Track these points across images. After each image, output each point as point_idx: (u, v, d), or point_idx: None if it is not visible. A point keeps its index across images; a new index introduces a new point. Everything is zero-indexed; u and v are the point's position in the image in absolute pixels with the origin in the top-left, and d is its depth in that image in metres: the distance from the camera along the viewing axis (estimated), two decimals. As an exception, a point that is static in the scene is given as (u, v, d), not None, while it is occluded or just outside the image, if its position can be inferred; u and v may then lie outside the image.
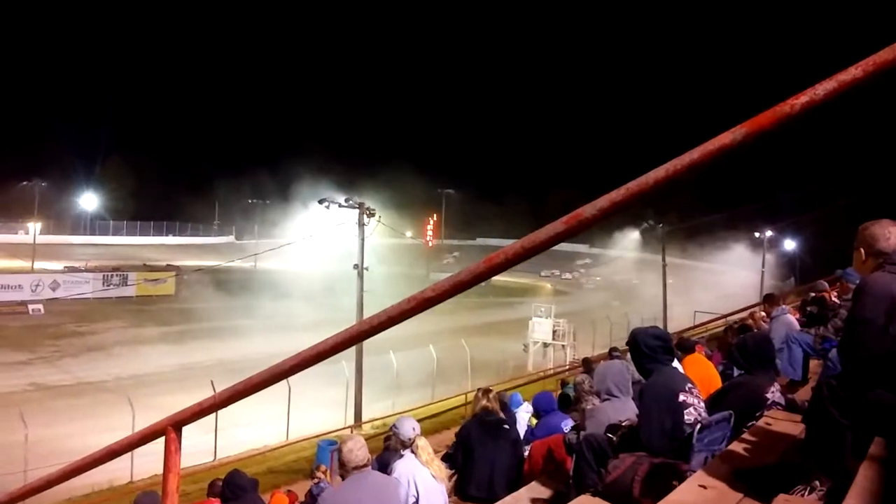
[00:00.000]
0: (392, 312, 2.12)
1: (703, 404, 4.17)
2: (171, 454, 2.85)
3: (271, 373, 2.60)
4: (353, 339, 2.33)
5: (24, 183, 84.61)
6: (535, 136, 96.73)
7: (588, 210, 1.75)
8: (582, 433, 4.72)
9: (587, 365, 10.08)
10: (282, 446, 20.93)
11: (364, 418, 23.21)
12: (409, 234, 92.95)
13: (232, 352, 32.03)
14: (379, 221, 25.78)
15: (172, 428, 2.86)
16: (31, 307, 46.28)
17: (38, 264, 66.28)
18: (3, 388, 26.70)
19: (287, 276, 51.46)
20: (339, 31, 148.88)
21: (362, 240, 24.79)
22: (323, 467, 11.17)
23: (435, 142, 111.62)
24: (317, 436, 20.07)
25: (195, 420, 2.88)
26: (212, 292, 50.08)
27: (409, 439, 5.27)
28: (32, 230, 79.66)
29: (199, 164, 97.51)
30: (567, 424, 6.44)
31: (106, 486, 16.73)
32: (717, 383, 6.27)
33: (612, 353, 10.33)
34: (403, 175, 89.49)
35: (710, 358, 8.03)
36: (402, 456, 5.26)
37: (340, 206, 25.28)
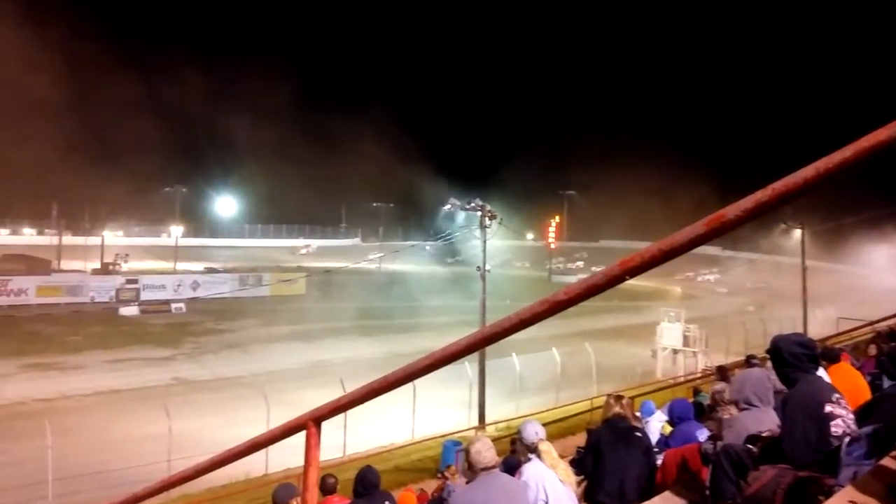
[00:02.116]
0: (524, 315, 2.09)
1: (851, 416, 3.90)
2: (311, 448, 2.94)
3: (406, 372, 2.63)
4: (486, 340, 2.33)
5: (167, 189, 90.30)
6: (664, 137, 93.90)
7: (731, 211, 1.66)
8: (719, 443, 4.53)
9: (722, 373, 9.68)
10: (408, 445, 21.26)
11: (488, 420, 23.25)
12: (530, 236, 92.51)
13: (359, 350, 32.91)
14: (500, 224, 25.73)
15: (313, 422, 2.95)
16: (173, 306, 49.24)
17: (180, 265, 70.65)
18: (149, 382, 28.55)
19: (411, 278, 52.43)
20: (461, 32, 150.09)
21: (484, 242, 24.86)
22: (452, 468, 11.26)
23: (558, 142, 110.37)
24: (442, 436, 20.28)
25: (334, 416, 2.96)
26: (340, 293, 51.65)
27: (533, 443, 5.23)
28: (175, 233, 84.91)
29: (327, 170, 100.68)
30: (702, 434, 6.20)
31: (242, 477, 17.49)
32: (866, 395, 5.87)
33: (749, 361, 9.87)
34: (525, 177, 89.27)
35: (858, 368, 7.52)
36: (530, 459, 5.22)
37: (463, 209, 25.47)
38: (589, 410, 21.41)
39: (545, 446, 5.21)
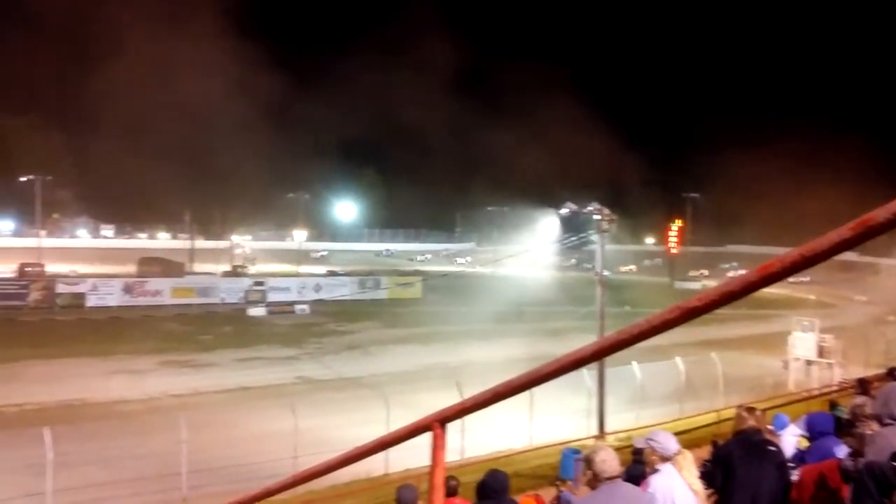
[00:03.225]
0: (654, 321, 2.01)
1: None
2: (437, 449, 2.96)
3: (531, 377, 2.60)
4: (615, 346, 2.25)
5: (291, 195, 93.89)
6: (801, 130, 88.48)
7: (881, 214, 1.52)
8: (861, 460, 4.26)
9: (863, 386, 9.08)
10: (526, 451, 21.13)
11: (608, 429, 22.78)
12: (650, 240, 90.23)
13: (475, 354, 33.05)
14: (615, 227, 25.12)
15: (438, 424, 2.96)
16: (297, 307, 51.08)
17: (303, 268, 73.24)
18: (275, 381, 29.69)
19: (525, 282, 52.22)
20: (573, 23, 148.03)
21: (602, 247, 24.44)
22: (571, 481, 11.10)
23: (677, 145, 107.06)
24: (560, 443, 20.04)
25: (459, 417, 2.97)
26: (455, 296, 52.11)
27: (673, 454, 5.04)
28: (298, 237, 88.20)
29: (440, 177, 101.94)
30: (840, 450, 5.84)
31: (364, 475, 17.86)
32: None
33: (892, 374, 9.22)
34: (645, 177, 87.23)
35: None
36: (657, 470, 5.05)
37: (580, 212, 25.18)
38: (716, 423, 20.58)
39: (685, 457, 5.03)
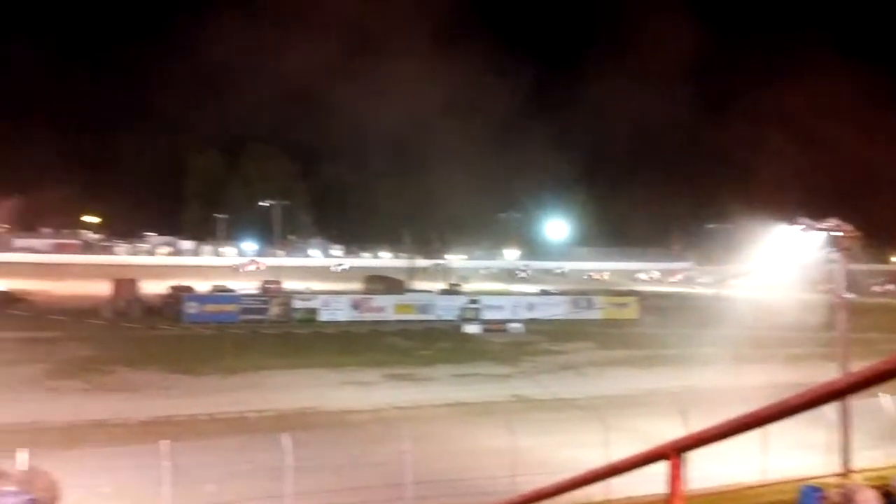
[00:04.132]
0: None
1: None
2: (674, 479, 2.84)
3: (779, 408, 2.43)
4: (881, 376, 2.07)
5: (501, 214, 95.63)
6: None
7: None
8: None
9: None
10: (759, 486, 19.76)
11: (853, 467, 20.66)
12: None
13: (698, 380, 31.48)
14: (859, 244, 22.84)
15: (675, 453, 2.86)
16: (511, 325, 51.66)
17: (516, 287, 74.08)
18: (491, 397, 30.08)
19: (752, 304, 48.92)
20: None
21: (843, 268, 22.32)
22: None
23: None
24: (797, 479, 18.53)
25: (697, 447, 2.84)
26: (674, 318, 50.12)
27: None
28: (508, 257, 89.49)
29: (655, 190, 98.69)
30: None
31: (583, 500, 17.58)
32: None
33: None
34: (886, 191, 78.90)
35: None
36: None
37: (816, 229, 23.17)
38: None
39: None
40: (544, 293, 67.59)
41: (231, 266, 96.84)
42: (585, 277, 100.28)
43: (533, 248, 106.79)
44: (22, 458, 13.85)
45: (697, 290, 53.13)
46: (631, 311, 57.79)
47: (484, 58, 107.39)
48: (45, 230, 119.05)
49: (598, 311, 58.16)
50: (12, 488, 1.76)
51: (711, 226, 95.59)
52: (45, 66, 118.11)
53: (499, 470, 17.65)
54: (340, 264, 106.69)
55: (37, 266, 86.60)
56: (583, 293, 66.78)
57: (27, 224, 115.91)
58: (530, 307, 57.56)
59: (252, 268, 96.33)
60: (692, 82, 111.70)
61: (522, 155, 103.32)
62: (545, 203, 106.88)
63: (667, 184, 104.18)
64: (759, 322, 44.08)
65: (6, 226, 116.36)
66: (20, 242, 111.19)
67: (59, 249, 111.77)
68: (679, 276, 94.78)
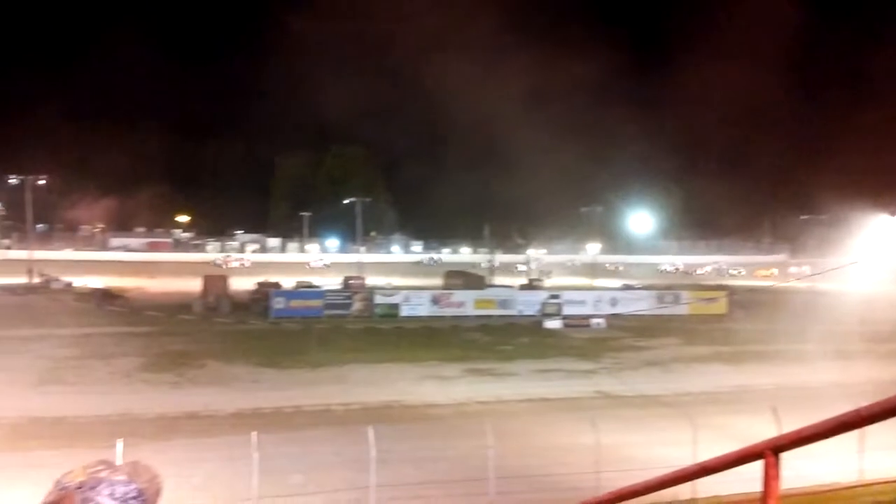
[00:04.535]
0: None
1: None
2: (770, 479, 2.73)
3: (883, 407, 2.28)
4: None
5: (584, 209, 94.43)
6: None
7: None
8: None
9: None
10: (856, 486, 18.87)
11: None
12: None
13: (790, 378, 30.35)
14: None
15: (771, 452, 2.75)
16: (593, 321, 50.93)
17: (598, 282, 73.07)
18: (573, 393, 29.73)
19: (849, 298, 46.79)
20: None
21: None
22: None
23: None
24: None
25: (795, 447, 2.72)
26: (766, 314, 48.38)
27: None
28: (592, 251, 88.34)
29: (746, 181, 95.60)
30: None
31: (669, 498, 17.16)
32: None
33: None
34: None
35: None
36: None
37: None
38: None
39: None
40: (627, 288, 66.42)
41: (305, 263, 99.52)
42: (670, 270, 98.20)
43: (616, 243, 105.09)
44: (119, 449, 14.47)
45: (790, 283, 51.06)
46: (719, 306, 56.18)
47: (566, 47, 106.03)
48: (139, 229, 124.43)
49: (684, 307, 56.70)
50: (121, 477, 1.77)
51: (805, 217, 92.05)
52: (139, 71, 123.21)
53: (582, 467, 17.41)
54: (321, 259, 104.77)
55: (132, 264, 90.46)
56: (668, 288, 65.33)
57: (122, 224, 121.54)
58: (613, 302, 56.60)
59: (321, 264, 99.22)
60: (786, 70, 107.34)
61: (606, 147, 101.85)
62: (630, 196, 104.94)
63: (758, 174, 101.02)
64: (856, 316, 42.14)
65: (103, 226, 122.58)
66: (116, 241, 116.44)
67: (152, 248, 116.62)
68: (770, 270, 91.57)
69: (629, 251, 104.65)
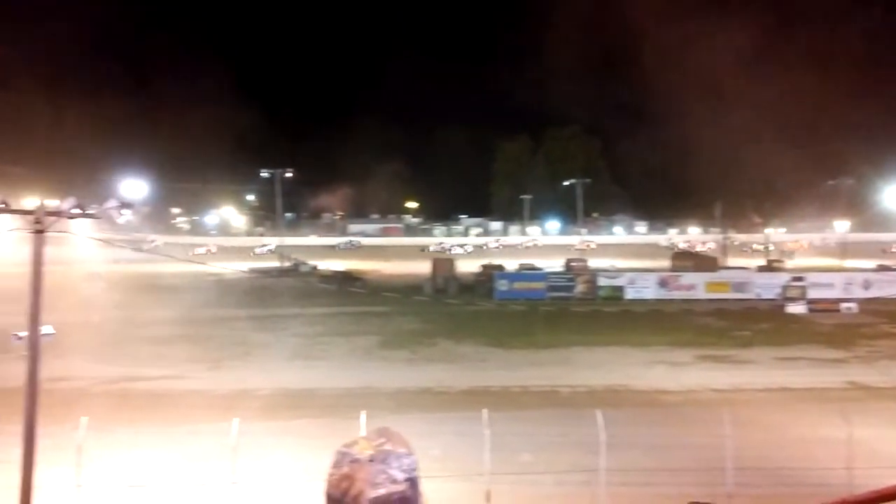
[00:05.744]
0: None
1: None
2: None
3: None
4: None
5: (831, 182, 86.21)
6: None
7: None
8: None
9: None
10: None
11: None
12: None
13: None
14: None
15: None
16: (843, 305, 46.60)
17: (849, 262, 66.56)
18: (821, 383, 27.41)
19: None
20: None
21: None
22: None
23: None
24: None
25: None
26: None
27: None
28: (840, 228, 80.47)
29: None
30: None
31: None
32: None
33: None
34: None
35: None
36: None
37: None
38: None
39: None
40: (883, 269, 59.87)
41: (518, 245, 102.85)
42: None
43: (870, 219, 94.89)
44: (362, 420, 15.48)
45: None
46: None
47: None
48: (374, 216, 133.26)
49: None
50: (403, 450, 1.85)
51: None
52: (375, 70, 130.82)
53: (832, 462, 16.07)
54: (265, 244, 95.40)
55: (369, 248, 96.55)
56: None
57: (358, 211, 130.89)
58: (866, 285, 51.31)
59: (530, 244, 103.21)
60: None
61: (856, 112, 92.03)
62: (885, 166, 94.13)
63: None
64: None
65: (342, 213, 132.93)
66: (353, 227, 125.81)
67: (385, 233, 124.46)
68: None
69: (885, 229, 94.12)
